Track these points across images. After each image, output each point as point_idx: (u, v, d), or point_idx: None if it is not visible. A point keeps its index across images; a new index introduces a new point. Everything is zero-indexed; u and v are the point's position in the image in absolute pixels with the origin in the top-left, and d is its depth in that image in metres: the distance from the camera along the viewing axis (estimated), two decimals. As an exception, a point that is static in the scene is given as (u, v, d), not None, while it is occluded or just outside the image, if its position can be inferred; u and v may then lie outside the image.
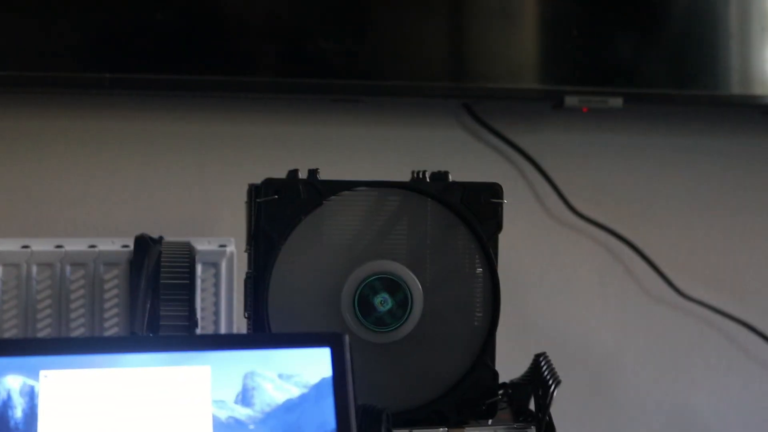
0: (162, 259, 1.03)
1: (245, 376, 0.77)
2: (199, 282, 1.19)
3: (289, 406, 0.77)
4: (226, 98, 1.32)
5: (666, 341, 1.45)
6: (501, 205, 0.99)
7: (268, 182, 0.96)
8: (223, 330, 1.18)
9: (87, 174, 1.31)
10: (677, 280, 1.43)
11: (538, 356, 1.00)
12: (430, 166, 1.05)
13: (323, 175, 0.98)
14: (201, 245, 1.19)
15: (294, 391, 0.78)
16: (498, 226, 0.99)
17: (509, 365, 1.01)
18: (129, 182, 1.32)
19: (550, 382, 0.96)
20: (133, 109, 1.31)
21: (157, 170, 1.32)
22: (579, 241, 1.43)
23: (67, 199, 1.30)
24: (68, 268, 1.18)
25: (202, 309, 1.19)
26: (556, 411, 1.39)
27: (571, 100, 1.31)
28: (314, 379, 0.78)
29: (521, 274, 1.42)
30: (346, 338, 0.79)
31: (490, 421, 0.98)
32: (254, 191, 0.98)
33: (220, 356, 0.77)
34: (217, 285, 1.20)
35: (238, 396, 0.77)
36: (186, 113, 1.33)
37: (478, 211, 0.98)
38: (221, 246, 1.20)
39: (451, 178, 1.00)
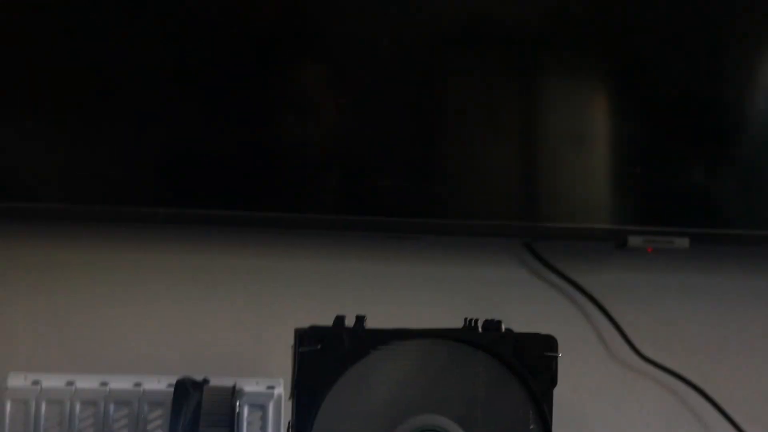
0: (203, 406, 0.99)
1: None
2: (245, 425, 1.15)
3: None
4: (279, 233, 1.29)
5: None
6: (556, 358, 0.95)
7: (312, 331, 0.92)
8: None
9: (136, 308, 1.29)
10: (746, 424, 1.36)
11: None
12: (488, 306, 1.02)
13: (373, 317, 0.95)
14: (249, 386, 1.16)
15: None
16: (552, 381, 0.94)
17: None
18: (178, 317, 1.29)
19: None
20: (185, 242, 1.29)
21: (207, 306, 1.30)
22: (645, 385, 1.37)
23: (114, 333, 1.28)
24: (112, 407, 1.15)
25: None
26: None
27: (634, 241, 1.26)
28: None
29: (585, 418, 1.35)
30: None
31: None
32: (298, 340, 0.94)
33: None
34: (264, 428, 1.16)
35: None
36: (240, 248, 1.30)
37: (531, 364, 0.94)
38: (269, 387, 1.17)
39: (504, 326, 0.96)
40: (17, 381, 1.15)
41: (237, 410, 1.09)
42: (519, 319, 0.99)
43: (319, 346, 0.91)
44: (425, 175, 1.28)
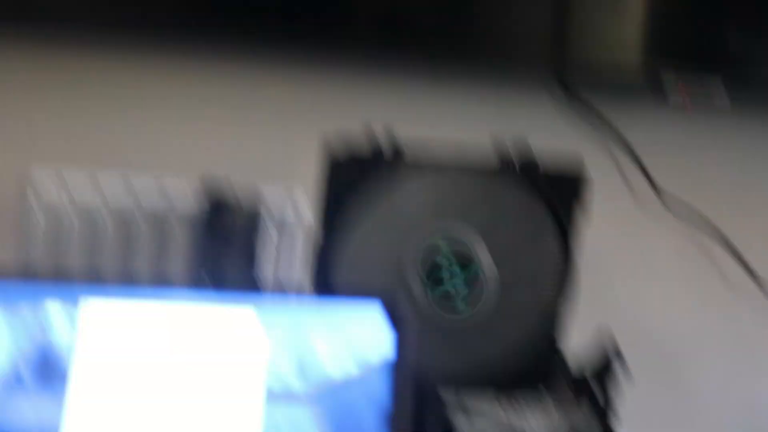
0: (228, 209, 0.99)
1: (303, 345, 0.72)
2: (266, 238, 1.15)
3: (346, 384, 0.73)
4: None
5: (748, 340, 1.38)
6: (584, 181, 0.94)
7: (342, 141, 0.91)
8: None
9: (161, 111, 1.28)
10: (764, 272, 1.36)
11: (608, 345, 0.95)
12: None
13: (401, 130, 0.93)
14: (271, 197, 1.15)
15: (352, 367, 0.73)
16: (581, 208, 0.94)
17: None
18: (204, 123, 1.28)
19: (615, 370, 0.91)
20: (216, 50, 1.27)
21: (236, 113, 1.28)
22: (666, 229, 1.36)
23: (139, 134, 1.27)
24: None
25: (264, 267, 1.15)
26: (622, 400, 1.35)
27: (667, 78, 1.24)
28: (375, 357, 0.73)
29: (602, 256, 1.35)
30: (413, 317, 0.74)
31: (552, 402, 0.93)
32: (329, 152, 0.93)
33: (280, 316, 0.73)
34: (281, 242, 1.16)
35: (291, 361, 0.72)
36: (271, 60, 1.28)
37: (561, 190, 0.93)
38: (292, 200, 1.16)
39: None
40: (40, 174, 1.15)
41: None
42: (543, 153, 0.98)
43: (348, 156, 0.91)
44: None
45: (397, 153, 0.91)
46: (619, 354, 0.92)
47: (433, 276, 0.90)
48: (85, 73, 1.26)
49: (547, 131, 1.32)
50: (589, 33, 1.28)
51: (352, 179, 0.90)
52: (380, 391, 0.73)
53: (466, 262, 0.91)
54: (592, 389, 0.96)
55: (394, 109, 1.28)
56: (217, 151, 1.27)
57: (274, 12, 1.23)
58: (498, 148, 0.95)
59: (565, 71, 1.30)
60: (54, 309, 0.70)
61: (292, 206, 1.15)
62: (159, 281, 0.73)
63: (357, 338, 0.74)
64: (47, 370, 0.69)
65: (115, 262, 1.13)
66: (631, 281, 1.37)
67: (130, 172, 1.15)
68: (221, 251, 0.96)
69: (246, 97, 1.29)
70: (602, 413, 0.91)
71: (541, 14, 1.28)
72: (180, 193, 1.13)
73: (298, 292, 0.91)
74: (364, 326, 0.74)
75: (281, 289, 1.13)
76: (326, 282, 0.89)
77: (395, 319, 0.75)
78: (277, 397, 0.71)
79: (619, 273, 1.36)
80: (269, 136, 1.28)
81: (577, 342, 0.99)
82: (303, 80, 1.29)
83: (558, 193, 0.92)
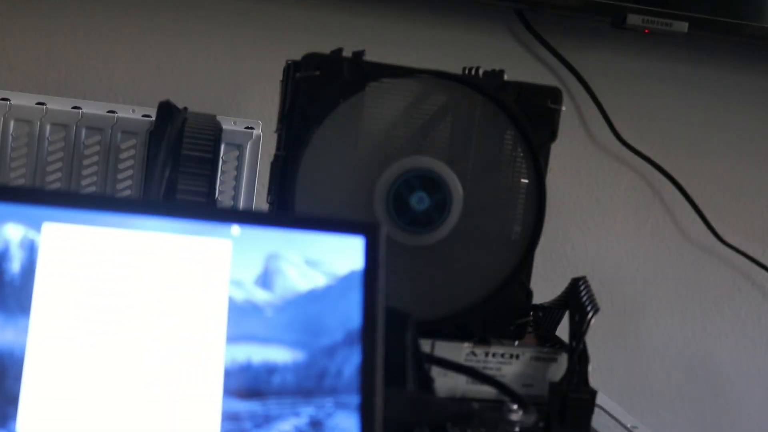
0: (186, 129, 0.95)
1: (268, 258, 0.70)
2: (220, 163, 1.12)
3: (313, 296, 0.70)
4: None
5: (696, 287, 1.38)
6: (559, 111, 0.92)
7: (310, 57, 0.88)
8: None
9: (113, 37, 1.23)
10: (717, 223, 1.36)
11: (576, 280, 0.93)
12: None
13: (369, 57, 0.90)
14: (226, 125, 1.12)
15: (320, 280, 0.70)
16: (552, 135, 0.92)
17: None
18: (156, 51, 1.24)
19: (588, 308, 0.89)
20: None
21: (188, 41, 1.24)
22: (620, 170, 1.35)
23: (90, 61, 1.22)
24: (84, 132, 1.11)
25: (221, 192, 1.12)
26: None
27: (633, 19, 1.22)
28: (343, 270, 0.71)
29: (555, 196, 1.34)
30: (384, 230, 0.72)
31: (516, 343, 0.92)
32: (292, 68, 0.90)
33: (243, 232, 0.70)
34: (239, 168, 1.13)
35: (258, 278, 0.70)
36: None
37: (533, 115, 0.91)
38: (248, 128, 1.13)
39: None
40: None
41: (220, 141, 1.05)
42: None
43: (317, 72, 0.88)
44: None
45: (363, 75, 0.88)
46: (592, 300, 0.91)
47: (400, 200, 0.88)
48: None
49: (507, 67, 1.31)
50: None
51: (316, 99, 0.87)
52: (350, 308, 0.70)
53: (433, 187, 0.88)
54: (556, 337, 0.95)
55: (364, 38, 1.25)
56: (171, 81, 1.23)
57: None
58: (470, 74, 0.93)
59: (527, 9, 1.28)
60: (14, 232, 0.67)
61: (246, 139, 1.12)
62: (113, 204, 0.70)
63: (331, 260, 0.71)
64: (8, 294, 0.66)
65: (71, 187, 1.09)
66: (585, 222, 1.36)
67: (80, 101, 1.11)
68: (174, 177, 0.92)
69: (199, 23, 1.25)
70: (577, 359, 0.88)
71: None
72: (131, 121, 1.10)
73: (264, 213, 0.89)
74: (341, 248, 0.72)
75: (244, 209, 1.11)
76: (286, 204, 0.86)
77: (373, 249, 0.72)
78: (241, 309, 0.69)
79: (573, 213, 1.35)
80: (224, 70, 1.25)
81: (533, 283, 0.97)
82: (270, 6, 1.25)
83: (530, 119, 0.90)
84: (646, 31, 1.24)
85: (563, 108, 0.91)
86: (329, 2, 1.25)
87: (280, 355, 0.69)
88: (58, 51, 1.21)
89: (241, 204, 1.12)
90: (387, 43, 1.26)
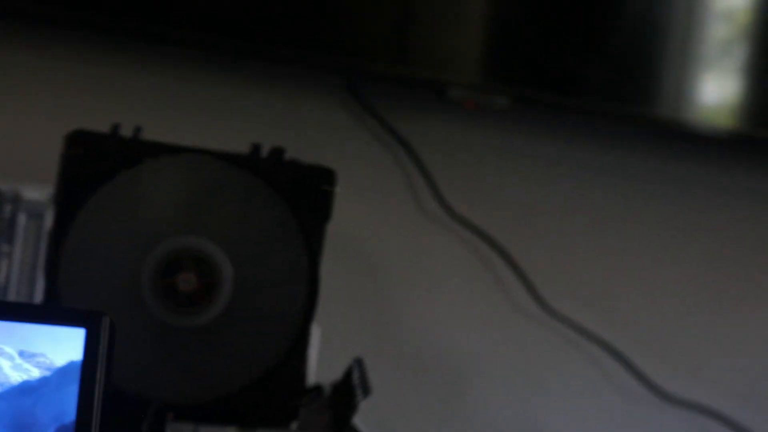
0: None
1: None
2: (21, 233, 1.10)
3: (26, 389, 0.69)
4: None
5: (527, 356, 1.38)
6: (332, 193, 0.92)
7: (76, 135, 0.87)
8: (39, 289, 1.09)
9: None
10: (546, 293, 1.36)
11: (352, 363, 0.93)
12: (298, 143, 0.99)
13: (163, 135, 0.90)
14: (29, 192, 1.10)
15: (34, 373, 0.69)
16: (326, 216, 0.92)
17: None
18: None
19: (357, 392, 0.89)
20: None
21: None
22: (450, 240, 1.35)
23: None
24: None
25: (21, 262, 1.10)
26: (402, 416, 1.33)
27: (455, 93, 1.23)
28: (60, 362, 0.70)
29: (383, 267, 1.34)
30: (107, 320, 0.70)
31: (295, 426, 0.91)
32: (65, 141, 0.89)
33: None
34: (40, 237, 1.12)
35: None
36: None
37: (307, 195, 0.91)
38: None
39: (290, 157, 0.92)
40: None
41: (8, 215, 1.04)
42: (328, 159, 0.95)
43: (82, 151, 0.87)
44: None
45: (131, 154, 0.87)
46: (364, 383, 0.90)
47: (167, 281, 0.87)
48: None
49: (337, 139, 1.31)
50: (381, 44, 1.27)
51: (80, 178, 0.86)
52: (66, 401, 0.69)
53: (203, 267, 0.88)
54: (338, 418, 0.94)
55: (164, 113, 1.24)
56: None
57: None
58: (252, 151, 0.93)
59: (358, 81, 1.29)
60: None
61: (46, 207, 1.11)
62: None
63: (48, 352, 0.70)
64: None
65: None
66: (414, 293, 1.36)
67: None
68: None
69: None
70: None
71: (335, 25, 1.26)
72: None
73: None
74: (59, 339, 0.70)
75: None
76: (51, 287, 0.85)
77: (93, 341, 0.71)
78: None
79: (402, 284, 1.35)
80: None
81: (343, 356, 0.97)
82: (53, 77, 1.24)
83: (305, 200, 0.90)
84: (471, 105, 1.24)
85: (336, 189, 0.91)
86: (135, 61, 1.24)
87: (-15, 452, 0.68)
88: None
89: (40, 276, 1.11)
90: (206, 113, 1.26)
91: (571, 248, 1.39)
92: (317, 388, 0.96)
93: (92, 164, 0.87)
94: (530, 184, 1.37)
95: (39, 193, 1.11)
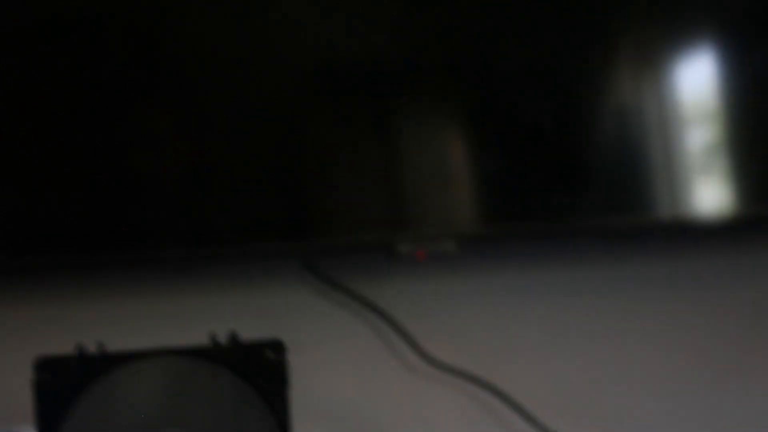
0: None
1: None
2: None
3: None
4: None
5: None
6: (284, 362, 0.98)
7: (43, 362, 0.95)
8: None
9: None
10: (543, 416, 1.40)
11: None
12: (270, 331, 1.05)
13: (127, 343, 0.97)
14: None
15: None
16: (283, 383, 0.98)
17: None
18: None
19: None
20: None
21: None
22: (439, 389, 1.41)
23: None
24: None
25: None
26: None
27: (403, 247, 1.31)
28: None
29: (381, 427, 1.39)
30: None
31: None
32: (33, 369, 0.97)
33: None
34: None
35: None
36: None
37: (262, 370, 0.97)
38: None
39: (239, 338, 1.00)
40: None
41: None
42: (304, 339, 1.03)
43: (50, 375, 0.94)
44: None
45: (92, 368, 0.95)
46: None
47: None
48: None
49: (302, 316, 1.38)
50: (331, 216, 1.36)
51: (53, 401, 0.93)
52: None
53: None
54: None
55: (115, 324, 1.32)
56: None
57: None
58: (212, 343, 1.00)
59: (311, 258, 1.37)
60: None
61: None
62: None
63: None
64: None
65: None
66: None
67: None
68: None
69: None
70: None
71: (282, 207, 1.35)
72: None
73: None
74: None
75: None
76: None
77: None
78: None
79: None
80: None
81: None
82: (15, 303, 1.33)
83: (260, 374, 0.96)
84: (420, 256, 1.32)
85: (286, 359, 0.98)
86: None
87: None
88: None
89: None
90: (167, 319, 1.34)
91: (554, 364, 1.44)
92: None
93: (62, 386, 0.94)
94: (499, 315, 1.43)
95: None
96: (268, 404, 0.96)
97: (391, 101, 1.33)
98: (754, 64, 1.38)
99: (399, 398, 1.40)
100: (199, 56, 1.30)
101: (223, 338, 1.00)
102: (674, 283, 1.46)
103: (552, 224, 1.36)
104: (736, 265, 1.47)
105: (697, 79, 1.39)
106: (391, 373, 1.41)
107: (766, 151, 1.39)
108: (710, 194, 1.38)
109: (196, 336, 1.09)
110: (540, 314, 1.44)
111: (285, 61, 1.32)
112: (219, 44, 1.30)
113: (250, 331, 1.08)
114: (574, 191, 1.36)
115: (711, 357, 1.46)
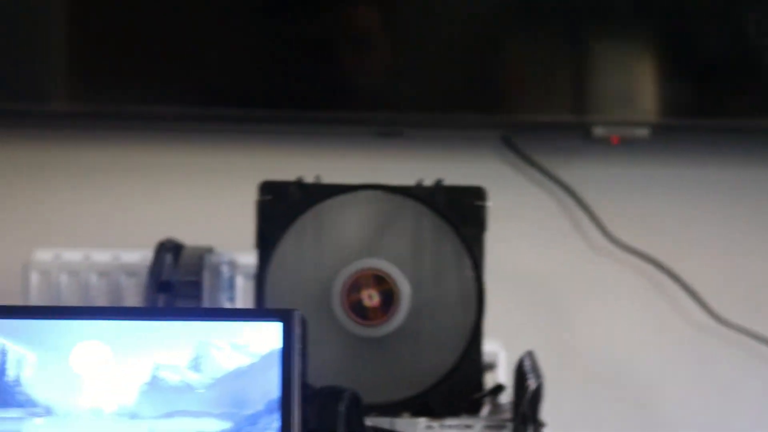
0: (179, 261, 1.13)
1: (198, 345, 0.85)
2: (240, 293, 1.28)
3: (238, 374, 0.85)
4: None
5: (708, 370, 1.46)
6: (484, 207, 1.06)
7: (264, 185, 1.05)
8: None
9: (146, 196, 1.44)
10: (718, 307, 1.45)
11: (524, 354, 1.05)
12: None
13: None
14: (245, 258, 1.28)
15: (244, 360, 0.85)
16: (482, 228, 1.06)
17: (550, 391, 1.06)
18: (181, 201, 1.44)
19: (530, 379, 1.00)
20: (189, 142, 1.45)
21: (207, 192, 1.44)
22: (619, 269, 1.46)
23: (127, 215, 1.44)
24: (123, 277, 1.30)
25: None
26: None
27: (598, 131, 1.36)
28: (264, 350, 0.85)
29: (562, 302, 1.46)
30: (298, 314, 0.86)
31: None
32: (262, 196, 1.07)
33: (177, 326, 0.86)
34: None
35: (190, 362, 0.85)
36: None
37: (462, 213, 1.05)
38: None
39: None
40: (42, 255, 1.31)
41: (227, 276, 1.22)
42: (496, 209, 1.10)
43: (270, 197, 1.05)
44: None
45: (310, 195, 1.04)
46: (535, 371, 1.01)
47: (355, 297, 1.02)
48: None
49: (496, 187, 1.45)
50: (529, 96, 1.43)
51: (272, 219, 1.03)
52: (271, 382, 0.85)
53: (384, 285, 1.03)
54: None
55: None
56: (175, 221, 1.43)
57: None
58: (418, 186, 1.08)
59: (511, 134, 1.44)
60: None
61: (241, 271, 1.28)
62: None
63: (253, 343, 0.86)
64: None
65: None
66: (594, 319, 1.47)
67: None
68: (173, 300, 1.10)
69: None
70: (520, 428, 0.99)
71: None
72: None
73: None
74: (261, 332, 0.87)
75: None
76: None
77: (289, 332, 0.87)
78: (175, 388, 0.84)
79: (582, 312, 1.47)
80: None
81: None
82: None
83: (461, 217, 1.04)
84: (615, 140, 1.37)
85: (489, 204, 1.05)
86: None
87: (210, 425, 0.84)
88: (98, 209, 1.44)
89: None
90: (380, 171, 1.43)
91: (734, 258, 1.47)
92: (499, 387, 1.08)
93: (281, 207, 1.04)
94: (683, 204, 1.47)
95: (252, 258, 1.30)
96: (466, 245, 1.04)
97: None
98: None
99: (580, 273, 1.47)
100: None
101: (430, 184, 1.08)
102: None
103: (739, 121, 1.40)
104: None
105: None
106: (575, 249, 1.47)
107: None
108: None
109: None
110: (725, 208, 1.48)
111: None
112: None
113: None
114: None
115: None
